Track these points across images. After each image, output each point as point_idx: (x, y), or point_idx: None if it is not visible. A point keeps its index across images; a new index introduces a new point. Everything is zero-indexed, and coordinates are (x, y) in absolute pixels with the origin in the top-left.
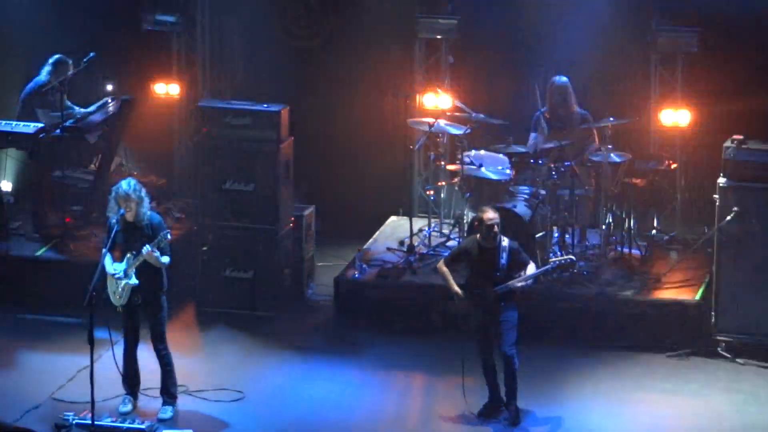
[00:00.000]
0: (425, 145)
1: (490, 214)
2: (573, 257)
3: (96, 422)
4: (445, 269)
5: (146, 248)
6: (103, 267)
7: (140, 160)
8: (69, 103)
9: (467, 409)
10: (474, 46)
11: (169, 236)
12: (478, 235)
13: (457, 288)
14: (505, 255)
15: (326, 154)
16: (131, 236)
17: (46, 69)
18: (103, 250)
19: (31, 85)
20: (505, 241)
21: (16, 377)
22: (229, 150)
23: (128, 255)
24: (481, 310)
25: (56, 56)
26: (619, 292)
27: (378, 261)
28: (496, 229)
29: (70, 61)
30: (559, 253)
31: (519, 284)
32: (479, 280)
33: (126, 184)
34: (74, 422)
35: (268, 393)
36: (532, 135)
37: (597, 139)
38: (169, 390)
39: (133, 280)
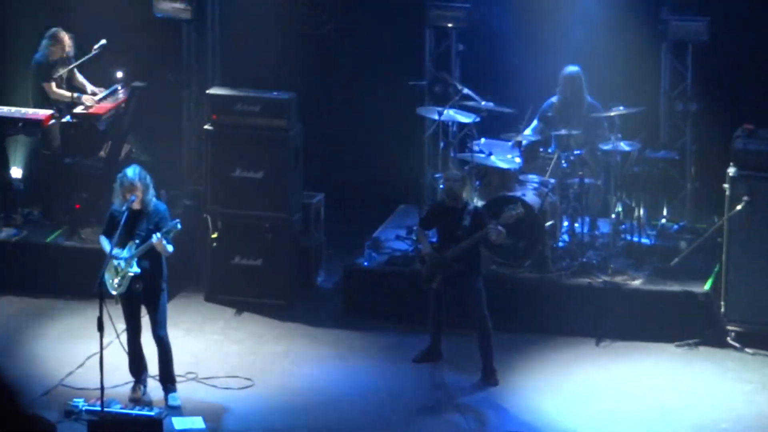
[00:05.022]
0: (435, 133)
1: (452, 173)
2: (521, 208)
3: (105, 409)
4: (421, 232)
5: (155, 236)
6: (108, 254)
7: (149, 147)
8: (83, 81)
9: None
10: (484, 33)
11: (179, 227)
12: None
13: (428, 250)
14: (468, 217)
15: (336, 142)
16: (135, 224)
17: (43, 43)
18: (102, 237)
19: (33, 62)
20: (471, 204)
21: (26, 363)
22: (238, 138)
23: (130, 243)
24: (439, 272)
25: (52, 29)
26: (628, 282)
27: (387, 249)
28: (453, 187)
29: (67, 34)
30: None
31: (464, 245)
32: (444, 242)
33: (131, 172)
34: (84, 409)
35: (277, 381)
36: (536, 123)
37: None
38: (170, 377)
39: (135, 269)
